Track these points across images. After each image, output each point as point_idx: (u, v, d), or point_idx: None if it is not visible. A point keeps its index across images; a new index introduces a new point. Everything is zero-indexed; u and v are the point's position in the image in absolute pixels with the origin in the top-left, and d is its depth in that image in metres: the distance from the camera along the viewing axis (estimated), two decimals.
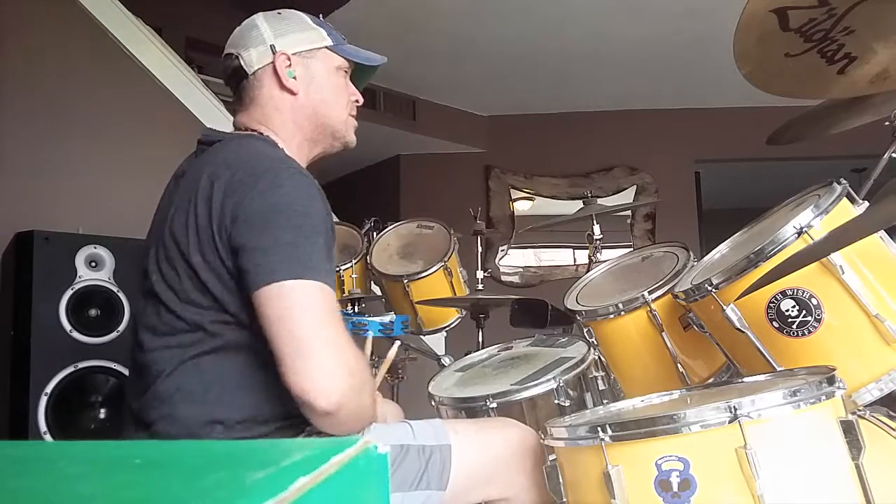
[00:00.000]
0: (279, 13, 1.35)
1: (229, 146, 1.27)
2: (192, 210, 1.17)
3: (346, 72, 1.38)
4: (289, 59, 1.30)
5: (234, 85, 1.34)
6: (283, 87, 1.30)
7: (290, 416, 1.19)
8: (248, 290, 1.09)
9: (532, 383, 1.54)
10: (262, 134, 1.31)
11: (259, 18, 1.33)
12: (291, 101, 1.31)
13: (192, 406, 1.16)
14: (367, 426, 1.22)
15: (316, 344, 1.05)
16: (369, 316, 2.42)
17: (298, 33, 1.33)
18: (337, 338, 1.08)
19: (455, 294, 2.57)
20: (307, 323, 1.06)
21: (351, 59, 1.38)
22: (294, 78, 1.30)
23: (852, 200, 1.33)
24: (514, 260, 5.65)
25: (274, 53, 1.29)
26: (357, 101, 1.40)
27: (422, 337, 2.98)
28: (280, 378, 1.12)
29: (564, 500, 1.12)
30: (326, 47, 1.34)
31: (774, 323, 1.28)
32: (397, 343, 1.51)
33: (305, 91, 1.32)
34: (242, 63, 1.31)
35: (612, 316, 1.66)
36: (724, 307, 1.30)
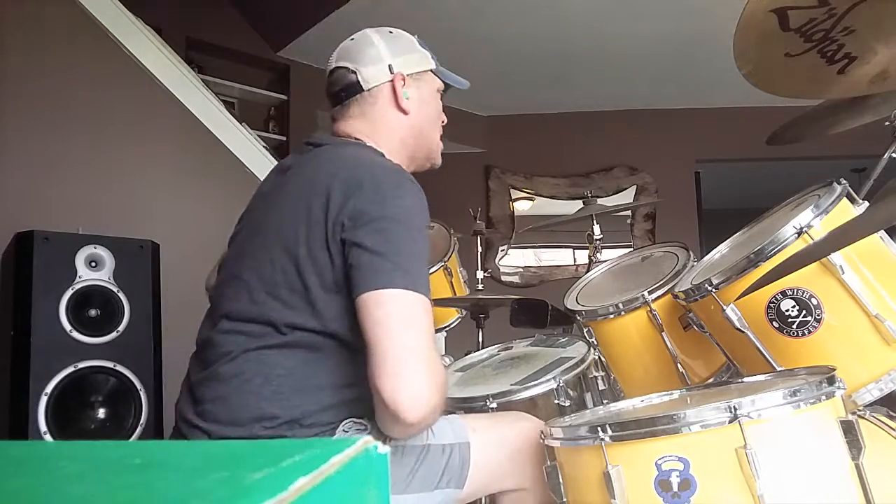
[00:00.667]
0: (391, 32, 1.40)
1: (343, 150, 1.31)
2: (303, 204, 1.19)
3: (441, 94, 1.44)
4: (404, 79, 1.35)
5: (344, 97, 1.37)
6: (398, 106, 1.35)
7: (331, 422, 1.21)
8: (356, 288, 1.11)
9: (532, 383, 1.54)
10: (366, 143, 1.35)
11: (374, 36, 1.38)
12: (403, 120, 1.36)
13: (248, 395, 1.16)
14: None
15: (417, 357, 1.07)
16: None
17: (411, 54, 1.38)
18: (434, 354, 1.10)
19: (455, 294, 2.56)
20: (413, 335, 1.08)
21: (449, 83, 1.44)
22: (408, 98, 1.35)
23: (852, 200, 1.33)
24: (514, 260, 5.65)
25: (392, 73, 1.35)
26: (444, 122, 1.46)
27: None
28: (338, 386, 1.17)
29: (564, 500, 1.12)
30: (431, 70, 1.40)
31: (774, 323, 1.28)
32: None
33: (416, 111, 1.37)
34: (360, 78, 1.35)
35: (612, 316, 1.66)
36: (724, 307, 1.31)
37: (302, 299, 1.17)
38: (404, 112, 1.36)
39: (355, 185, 1.17)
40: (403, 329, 1.08)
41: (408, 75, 1.36)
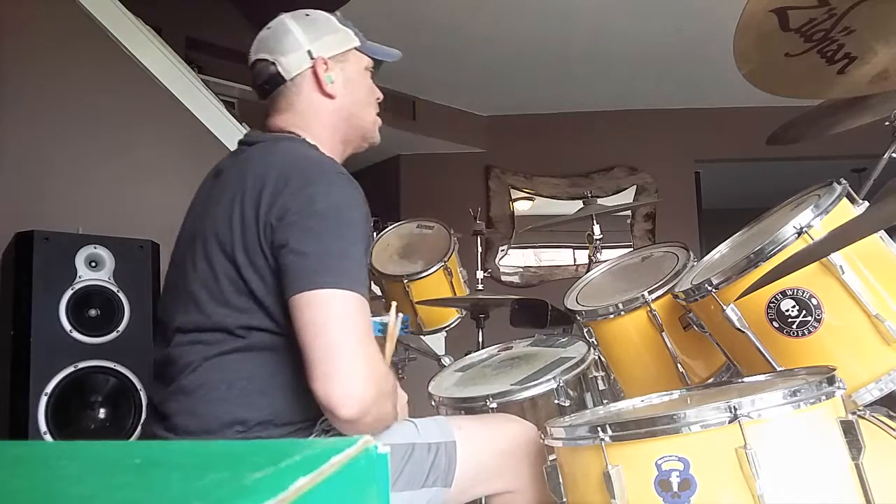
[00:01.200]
0: (307, 14, 1.34)
1: (275, 147, 1.28)
2: (237, 208, 1.18)
3: (371, 71, 1.39)
4: (326, 63, 1.31)
5: (269, 90, 1.33)
6: (322, 91, 1.31)
7: (305, 419, 1.21)
8: (286, 291, 1.11)
9: (532, 383, 1.54)
10: (299, 136, 1.31)
11: (290, 22, 1.33)
12: (330, 104, 1.33)
13: (215, 403, 1.16)
14: (384, 429, 1.23)
15: (347, 354, 1.07)
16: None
17: (331, 35, 1.33)
18: (367, 349, 1.10)
19: (455, 294, 2.56)
20: (341, 333, 1.08)
21: (377, 57, 1.40)
22: (332, 82, 1.31)
23: (852, 200, 1.33)
24: (514, 260, 5.65)
25: (312, 59, 1.30)
26: (379, 98, 1.42)
27: (422, 337, 2.98)
28: (304, 381, 1.14)
29: (564, 500, 1.12)
30: (355, 48, 1.36)
31: (774, 323, 1.28)
32: (394, 306, 1.44)
33: (342, 94, 1.33)
34: (280, 69, 1.31)
35: (612, 316, 1.66)
36: (724, 307, 1.30)
37: (251, 301, 1.16)
38: (330, 97, 1.32)
39: (283, 183, 1.15)
40: (334, 329, 1.07)
41: (329, 58, 1.31)
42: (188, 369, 1.18)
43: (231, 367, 1.17)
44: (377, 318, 1.93)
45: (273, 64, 1.31)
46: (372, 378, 1.08)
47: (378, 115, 1.42)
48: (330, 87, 1.31)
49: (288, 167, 1.19)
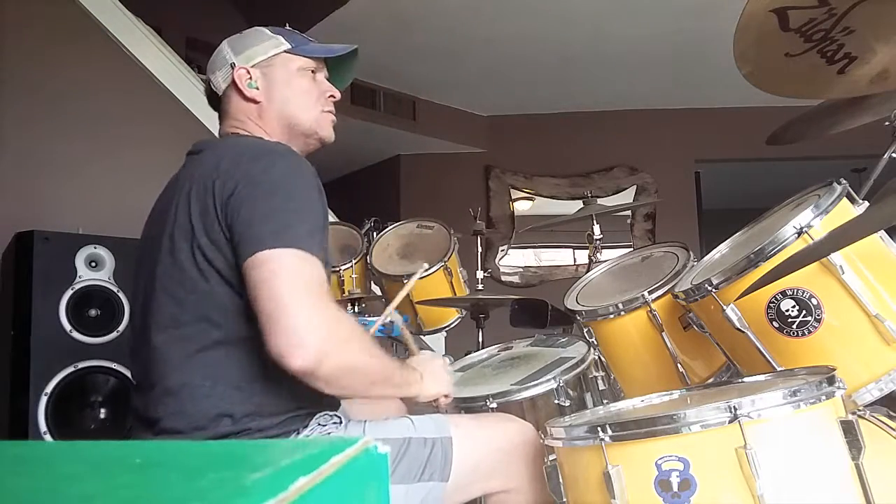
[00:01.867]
0: (241, 34, 1.44)
1: (223, 143, 1.36)
2: (195, 197, 1.21)
3: (312, 71, 1.43)
4: (248, 71, 1.38)
5: (214, 105, 1.44)
6: (246, 98, 1.38)
7: (296, 407, 1.22)
8: (239, 263, 1.14)
9: (532, 383, 1.54)
10: (243, 134, 1.39)
11: (224, 43, 1.43)
12: (256, 108, 1.39)
13: (201, 400, 1.17)
14: (366, 382, 1.21)
15: (291, 304, 1.08)
16: (369, 316, 2.42)
17: (255, 46, 1.41)
18: (312, 299, 1.10)
19: (455, 294, 2.57)
20: (281, 287, 1.09)
21: (310, 55, 1.43)
22: (256, 88, 1.38)
23: (852, 200, 1.33)
24: (514, 260, 5.65)
25: (232, 69, 1.39)
26: (332, 96, 1.44)
27: (422, 337, 2.98)
28: (281, 372, 1.14)
29: (564, 500, 1.12)
30: (285, 51, 1.41)
31: (774, 323, 1.28)
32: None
33: (267, 97, 1.39)
34: (213, 86, 1.42)
35: (612, 316, 1.66)
36: (724, 307, 1.31)
37: (221, 283, 1.18)
38: (254, 101, 1.38)
39: (234, 164, 1.20)
40: (275, 284, 1.09)
41: (252, 66, 1.38)
42: (169, 370, 1.19)
43: (211, 363, 1.18)
44: (374, 319, 1.94)
45: (209, 82, 1.43)
46: (321, 325, 1.08)
47: (330, 111, 1.45)
48: (253, 92, 1.38)
49: (240, 151, 1.25)
